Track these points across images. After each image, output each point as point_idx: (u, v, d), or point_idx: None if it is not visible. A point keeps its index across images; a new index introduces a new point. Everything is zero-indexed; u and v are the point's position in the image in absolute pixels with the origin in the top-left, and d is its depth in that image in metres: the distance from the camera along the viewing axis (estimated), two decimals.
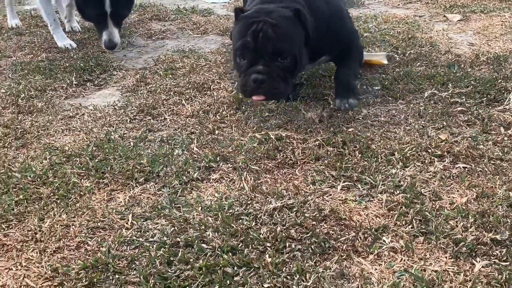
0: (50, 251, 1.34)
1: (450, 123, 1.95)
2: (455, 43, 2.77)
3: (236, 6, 3.40)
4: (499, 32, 2.91)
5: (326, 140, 1.81)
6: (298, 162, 1.71)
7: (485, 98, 2.14)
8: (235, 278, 1.22)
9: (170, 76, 2.41)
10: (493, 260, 1.27)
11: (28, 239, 1.39)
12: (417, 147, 1.78)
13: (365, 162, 1.69)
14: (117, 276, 1.24)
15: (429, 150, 1.77)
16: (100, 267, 1.27)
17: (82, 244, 1.37)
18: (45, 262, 1.30)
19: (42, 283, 1.24)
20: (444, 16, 3.22)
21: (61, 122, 2.02)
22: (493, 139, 1.84)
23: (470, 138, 1.84)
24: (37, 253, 1.33)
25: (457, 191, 1.56)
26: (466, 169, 1.68)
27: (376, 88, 2.25)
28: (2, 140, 1.88)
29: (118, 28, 2.53)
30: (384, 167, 1.67)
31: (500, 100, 2.13)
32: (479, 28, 2.99)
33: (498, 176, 1.62)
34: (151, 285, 1.20)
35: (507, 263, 1.26)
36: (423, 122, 1.96)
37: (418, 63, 2.48)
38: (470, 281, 1.21)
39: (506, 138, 1.84)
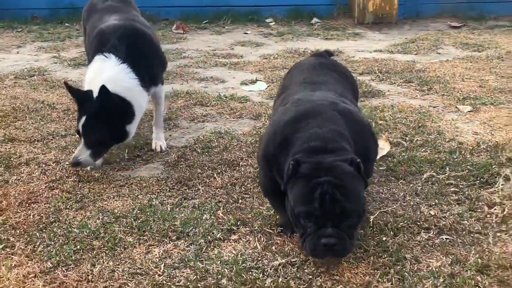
0: None
1: (442, 201, 2.26)
2: (460, 132, 3.09)
3: (270, 93, 3.86)
4: (504, 123, 3.23)
5: None
6: None
7: (478, 181, 2.44)
8: None
9: (206, 153, 2.82)
10: None
11: (82, 279, 1.76)
12: (408, 219, 2.09)
13: (362, 231, 2.01)
14: None
15: (419, 223, 2.08)
16: None
17: (123, 285, 1.73)
18: None
19: None
20: (456, 107, 3.57)
21: (113, 190, 2.43)
22: (476, 216, 2.13)
23: (456, 215, 2.14)
24: None
25: (436, 257, 1.86)
26: (448, 240, 1.98)
27: (382, 168, 2.59)
28: (65, 203, 2.30)
29: (92, 149, 2.54)
30: (377, 235, 1.99)
31: (492, 183, 2.43)
32: (486, 118, 3.31)
33: (473, 247, 1.91)
34: None
35: None
36: (418, 200, 2.28)
37: (423, 149, 2.82)
38: None
39: (488, 216, 2.14)
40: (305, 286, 1.70)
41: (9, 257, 1.90)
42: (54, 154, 2.82)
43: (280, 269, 1.79)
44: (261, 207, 2.22)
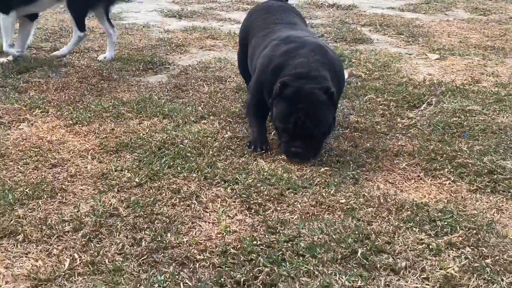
0: None
1: (369, 114, 2.94)
2: (417, 72, 3.72)
3: None
4: (458, 69, 3.83)
5: None
6: None
7: (407, 104, 3.10)
8: None
9: (203, 71, 3.56)
10: None
11: (90, 132, 2.56)
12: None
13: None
14: None
15: (343, 125, 2.78)
16: None
17: (119, 137, 2.52)
18: None
19: None
20: (426, 54, 4.17)
21: (125, 87, 3.21)
22: (388, 124, 2.82)
23: (374, 122, 2.83)
24: None
25: (347, 145, 2.57)
26: (360, 135, 2.67)
27: None
28: (88, 91, 3.10)
29: None
30: None
31: (418, 107, 3.08)
32: (446, 65, 3.91)
33: (377, 140, 2.61)
34: None
35: None
36: (352, 112, 2.97)
37: (377, 81, 3.48)
38: None
39: (398, 124, 2.82)
40: (240, 146, 2.44)
41: (44, 117, 2.72)
42: (86, 61, 3.64)
43: (227, 139, 2.54)
44: (232, 107, 2.96)
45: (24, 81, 3.21)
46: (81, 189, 2.07)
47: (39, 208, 1.92)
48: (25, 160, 2.26)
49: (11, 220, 1.83)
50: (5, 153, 2.32)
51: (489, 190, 2.17)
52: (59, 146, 2.41)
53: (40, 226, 1.81)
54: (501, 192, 2.16)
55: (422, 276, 1.65)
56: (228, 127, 2.68)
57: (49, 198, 1.99)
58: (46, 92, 3.05)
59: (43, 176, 2.14)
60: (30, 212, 1.90)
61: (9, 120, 2.67)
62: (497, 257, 1.73)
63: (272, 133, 2.61)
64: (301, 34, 2.65)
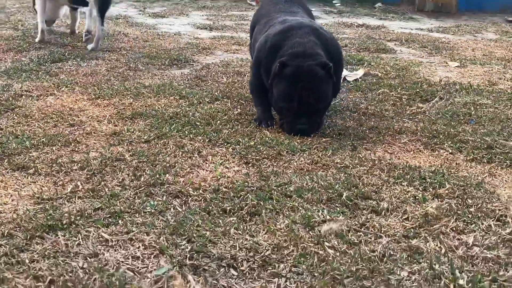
0: None
1: (380, 104, 3.02)
2: (435, 75, 3.79)
3: None
4: (476, 74, 3.88)
5: None
6: None
7: (419, 98, 3.17)
8: None
9: (224, 67, 3.73)
10: None
11: (110, 105, 2.74)
12: (351, 110, 2.89)
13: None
14: None
15: (356, 111, 2.87)
16: None
17: (137, 110, 2.68)
18: None
19: None
20: (446, 62, 4.24)
21: (149, 76, 3.40)
22: (397, 111, 2.89)
23: (384, 110, 2.91)
24: None
25: (353, 120, 2.66)
26: (371, 117, 2.76)
27: (351, 86, 3.38)
28: (115, 78, 3.29)
29: None
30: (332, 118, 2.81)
31: (430, 100, 3.15)
32: (465, 71, 3.97)
33: (383, 121, 2.69)
34: None
35: None
36: (364, 101, 3.06)
37: (392, 80, 3.56)
38: None
39: (408, 114, 2.89)
40: (247, 120, 2.56)
41: (70, 93, 2.91)
42: (116, 55, 3.86)
43: (237, 114, 2.67)
44: (246, 93, 3.10)
45: (56, 67, 3.43)
46: (94, 142, 2.22)
47: (52, 152, 2.08)
48: (46, 120, 2.44)
49: (25, 158, 1.99)
50: (28, 114, 2.51)
51: (485, 161, 2.22)
52: (79, 112, 2.59)
53: (50, 164, 1.96)
54: (496, 162, 2.20)
55: (403, 217, 1.71)
56: (239, 106, 2.81)
57: (63, 146, 2.15)
58: (75, 76, 3.26)
59: (60, 131, 2.31)
60: (44, 154, 2.05)
61: (37, 94, 2.87)
62: (480, 206, 1.78)
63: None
64: (299, 18, 2.80)
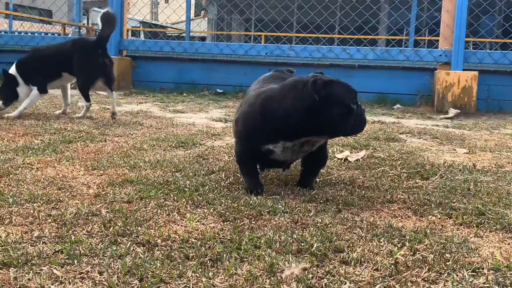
0: None
1: (377, 180, 2.99)
2: (440, 158, 3.75)
3: None
4: (484, 159, 3.82)
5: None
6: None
7: (419, 176, 3.12)
8: None
9: (230, 148, 3.79)
10: None
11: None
12: (346, 183, 2.86)
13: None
14: None
15: (351, 184, 2.84)
16: None
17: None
18: None
19: None
20: (454, 149, 4.20)
21: (152, 155, 3.47)
22: (396, 186, 2.85)
23: (381, 186, 2.87)
24: None
25: (335, 188, 2.62)
26: (365, 193, 2.72)
27: (351, 165, 3.37)
28: (117, 155, 3.38)
29: None
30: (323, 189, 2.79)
31: (428, 178, 3.09)
32: (473, 157, 3.92)
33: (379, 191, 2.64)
34: None
35: None
36: (361, 177, 3.03)
37: (395, 161, 3.53)
38: None
39: (404, 186, 2.84)
40: (238, 189, 2.55)
41: (69, 166, 2.98)
42: (125, 139, 3.98)
43: (228, 183, 2.67)
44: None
45: (64, 147, 3.54)
46: (76, 202, 2.23)
47: (32, 208, 2.10)
48: (36, 184, 2.49)
49: (4, 212, 2.01)
50: (22, 179, 2.56)
51: (474, 225, 2.13)
52: (71, 179, 2.63)
53: (26, 216, 1.97)
54: (486, 225, 2.11)
55: (373, 268, 1.63)
56: (232, 177, 2.82)
57: (44, 204, 2.17)
58: (80, 153, 3.35)
59: (46, 192, 2.34)
60: (23, 209, 2.07)
61: (38, 166, 2.95)
62: (457, 259, 1.69)
63: (268, 177, 2.70)
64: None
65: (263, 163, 2.71)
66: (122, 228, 1.86)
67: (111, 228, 1.85)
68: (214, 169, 3.04)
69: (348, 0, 8.94)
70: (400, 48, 9.11)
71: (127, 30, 16.16)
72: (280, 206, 2.26)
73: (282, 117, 2.38)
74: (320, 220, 2.08)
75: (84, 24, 20.25)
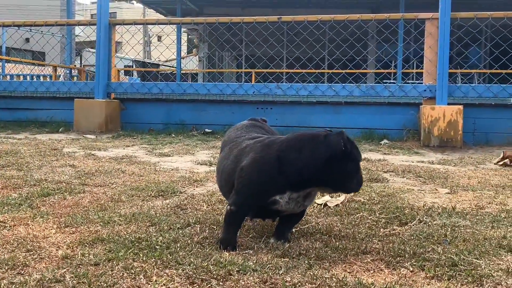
0: None
1: (357, 226, 2.96)
2: (421, 200, 3.73)
3: None
4: (465, 199, 3.81)
5: None
6: None
7: (397, 221, 3.10)
8: None
9: (210, 196, 3.76)
10: None
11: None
12: (323, 232, 2.84)
13: None
14: None
15: (329, 234, 2.81)
16: None
17: None
18: None
19: None
20: (436, 189, 4.19)
21: (129, 206, 3.44)
22: (378, 236, 2.82)
23: (363, 234, 2.84)
24: None
25: (315, 240, 2.59)
26: (342, 243, 2.69)
27: (330, 210, 3.34)
28: (93, 208, 3.34)
29: None
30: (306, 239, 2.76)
31: (406, 223, 3.07)
32: (453, 197, 3.91)
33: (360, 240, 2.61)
34: None
35: None
36: (339, 224, 3.01)
37: (374, 205, 3.51)
38: None
39: (381, 233, 2.81)
40: (210, 244, 2.52)
41: (42, 223, 2.95)
42: (104, 189, 3.95)
43: (202, 238, 2.64)
44: (221, 220, 3.08)
45: (40, 201, 3.51)
46: (43, 266, 2.19)
47: None
48: (4, 246, 2.45)
49: None
50: None
51: (446, 278, 2.10)
52: (42, 239, 2.60)
53: None
54: (457, 278, 2.08)
55: None
56: (207, 231, 2.78)
57: (9, 270, 2.13)
58: (56, 208, 3.31)
59: (13, 255, 2.30)
60: None
61: (11, 224, 2.91)
62: None
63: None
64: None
65: (260, 213, 2.67)
66: None
67: None
68: (190, 220, 3.01)
69: (337, 34, 9.04)
70: (385, 84, 9.20)
71: (118, 71, 16.29)
72: (251, 263, 2.23)
73: (301, 166, 2.40)
74: (289, 279, 2.04)
75: (75, 65, 20.42)
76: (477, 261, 2.29)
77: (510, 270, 2.19)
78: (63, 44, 20.61)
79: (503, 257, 2.39)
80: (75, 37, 21.29)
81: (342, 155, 2.38)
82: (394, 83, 12.47)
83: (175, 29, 16.52)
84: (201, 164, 5.59)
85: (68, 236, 2.65)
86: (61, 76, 18.11)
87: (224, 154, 2.85)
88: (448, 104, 7.98)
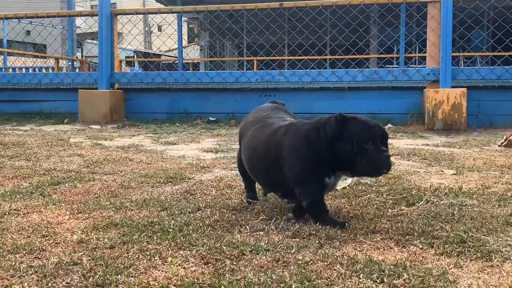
0: None
1: (365, 208, 3.00)
2: (427, 182, 3.77)
3: None
4: (471, 180, 3.84)
5: None
6: None
7: (405, 202, 3.13)
8: None
9: (218, 181, 3.80)
10: None
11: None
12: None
13: None
14: None
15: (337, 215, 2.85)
16: None
17: None
18: None
19: None
20: (442, 170, 4.22)
21: (139, 193, 3.49)
22: (381, 215, 2.86)
23: (367, 214, 2.88)
24: None
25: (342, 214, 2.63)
26: (352, 223, 2.73)
27: (337, 193, 3.38)
28: (104, 195, 3.39)
29: None
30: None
31: (413, 203, 3.11)
32: (460, 178, 3.94)
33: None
34: None
35: None
36: (347, 206, 3.05)
37: (381, 186, 3.55)
38: None
39: (389, 214, 2.85)
40: (224, 227, 2.56)
41: (55, 210, 2.99)
42: (114, 177, 3.99)
43: (213, 221, 2.68)
44: (230, 203, 3.12)
45: (52, 189, 3.55)
46: (59, 251, 2.24)
47: (14, 260, 2.10)
48: (20, 232, 2.49)
49: None
50: (5, 228, 2.57)
51: (455, 254, 2.14)
52: (56, 225, 2.64)
53: (7, 270, 1.98)
54: (466, 254, 2.12)
55: None
56: (218, 214, 2.82)
57: (27, 254, 2.17)
58: (67, 195, 3.36)
59: (30, 241, 2.35)
60: (5, 261, 2.08)
61: (25, 212, 2.95)
62: None
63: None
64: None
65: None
66: (102, 277, 1.86)
67: (91, 278, 1.86)
68: (200, 205, 3.05)
69: (339, 20, 9.02)
70: (388, 68, 9.18)
71: (120, 61, 16.29)
72: (262, 244, 2.27)
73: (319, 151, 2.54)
74: (301, 258, 2.08)
75: (77, 57, 20.41)
76: (485, 237, 2.33)
77: None
78: (64, 36, 20.63)
79: (510, 234, 2.42)
80: (76, 29, 21.30)
81: (336, 138, 2.45)
82: (397, 67, 12.46)
83: (176, 19, 16.51)
84: (207, 152, 5.63)
85: (82, 222, 2.70)
86: (64, 68, 18.15)
87: (253, 134, 2.89)
88: (452, 87, 7.98)
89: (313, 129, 2.58)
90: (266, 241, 2.31)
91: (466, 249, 2.17)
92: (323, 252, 2.15)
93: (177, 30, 14.98)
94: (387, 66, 14.17)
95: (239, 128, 3.25)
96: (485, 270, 1.96)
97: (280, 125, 2.78)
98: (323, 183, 2.58)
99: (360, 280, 1.83)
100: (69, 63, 18.24)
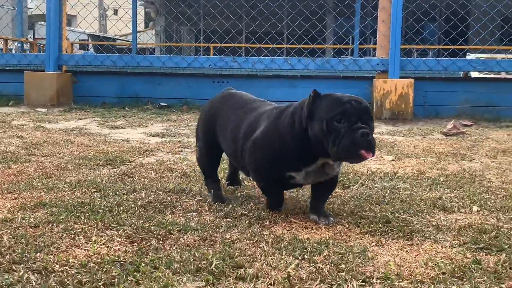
0: None
1: (299, 195, 3.03)
2: (365, 167, 3.83)
3: None
4: (408, 165, 3.93)
5: None
6: None
7: (341, 186, 3.18)
8: None
9: (159, 164, 3.77)
10: None
11: None
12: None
13: None
14: None
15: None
16: None
17: None
18: None
19: None
20: (381, 156, 4.31)
21: (75, 174, 3.42)
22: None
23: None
24: None
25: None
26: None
27: None
28: (38, 176, 3.31)
29: None
30: None
31: (348, 186, 3.16)
32: (397, 163, 4.03)
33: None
34: None
35: None
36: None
37: None
38: None
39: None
40: (158, 209, 2.54)
41: None
42: (50, 158, 3.90)
43: (146, 203, 2.65)
44: (168, 185, 3.10)
45: None
46: None
47: None
48: None
49: None
50: None
51: (378, 233, 2.19)
52: None
53: None
54: (389, 234, 2.17)
55: (269, 283, 1.65)
56: (153, 196, 2.80)
57: None
58: (0, 176, 3.26)
59: None
60: None
61: None
62: (352, 269, 1.73)
63: None
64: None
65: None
66: (20, 255, 1.82)
67: (8, 255, 1.81)
68: (137, 187, 3.02)
69: (293, 8, 9.04)
70: (339, 58, 9.28)
71: (72, 45, 15.89)
72: (192, 224, 2.27)
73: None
74: (228, 236, 2.09)
75: (27, 39, 19.79)
76: (410, 218, 2.39)
77: (440, 226, 2.30)
78: (13, 16, 19.95)
79: (435, 215, 2.49)
80: (27, 10, 20.62)
81: (308, 118, 2.21)
82: (351, 58, 12.62)
83: (131, 3, 16.22)
84: (153, 136, 5.57)
85: (10, 202, 2.63)
86: (13, 50, 17.58)
87: (238, 118, 2.64)
88: (401, 77, 8.14)
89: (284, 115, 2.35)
90: (197, 221, 2.30)
91: (390, 228, 2.23)
92: (251, 231, 2.16)
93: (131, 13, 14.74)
94: (341, 56, 14.34)
95: (204, 115, 2.90)
96: (405, 248, 2.01)
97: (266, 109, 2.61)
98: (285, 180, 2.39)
99: (282, 257, 1.85)
100: (18, 45, 17.69)
